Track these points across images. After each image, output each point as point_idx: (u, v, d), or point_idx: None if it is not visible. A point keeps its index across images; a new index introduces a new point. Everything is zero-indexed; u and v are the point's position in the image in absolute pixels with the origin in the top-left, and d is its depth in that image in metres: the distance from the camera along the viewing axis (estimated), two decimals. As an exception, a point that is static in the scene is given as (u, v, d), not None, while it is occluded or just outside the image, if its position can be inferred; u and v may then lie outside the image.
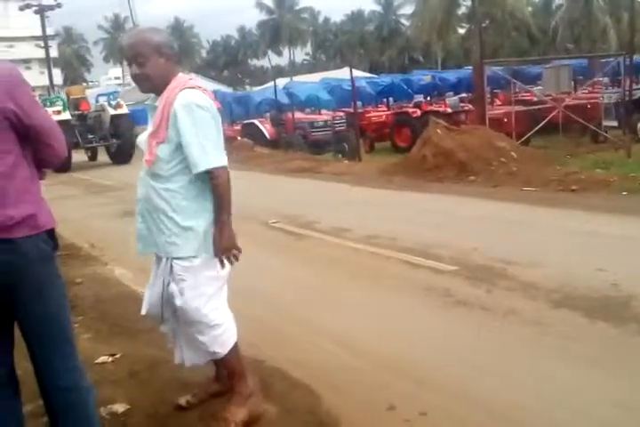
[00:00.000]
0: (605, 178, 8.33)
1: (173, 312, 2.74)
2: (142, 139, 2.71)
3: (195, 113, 2.53)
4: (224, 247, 2.60)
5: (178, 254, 2.64)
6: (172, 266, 2.66)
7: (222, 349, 2.74)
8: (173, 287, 2.66)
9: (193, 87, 2.61)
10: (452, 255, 5.39)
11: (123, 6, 48.30)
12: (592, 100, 15.16)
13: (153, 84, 2.63)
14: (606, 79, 18.26)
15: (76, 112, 17.67)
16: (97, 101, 18.77)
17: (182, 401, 2.92)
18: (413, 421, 2.80)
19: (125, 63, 2.76)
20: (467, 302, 4.27)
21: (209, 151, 2.54)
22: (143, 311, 2.87)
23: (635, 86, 13.85)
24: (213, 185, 2.58)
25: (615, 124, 14.03)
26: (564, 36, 38.08)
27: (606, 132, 13.73)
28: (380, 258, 5.57)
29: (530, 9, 41.50)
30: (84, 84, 55.79)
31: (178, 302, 2.65)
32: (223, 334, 2.73)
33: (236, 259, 2.65)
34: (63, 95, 18.75)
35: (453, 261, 5.20)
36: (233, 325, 2.80)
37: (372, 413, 2.92)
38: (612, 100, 14.39)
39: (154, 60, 2.59)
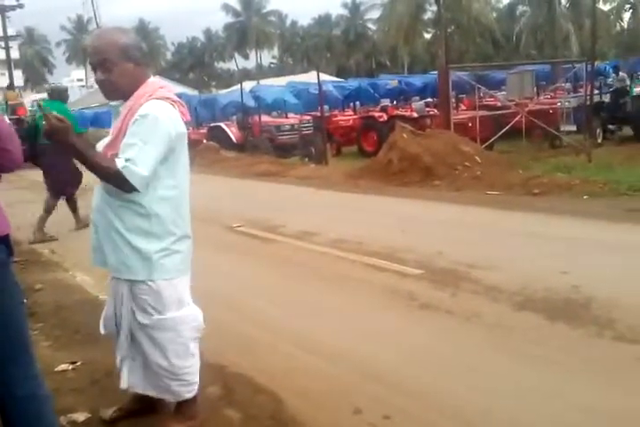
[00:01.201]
0: (567, 182, 8.49)
1: (127, 338, 2.61)
2: (100, 147, 2.54)
3: (149, 122, 2.34)
4: (58, 127, 2.24)
5: (129, 277, 2.49)
6: (130, 288, 2.52)
7: (176, 398, 2.67)
8: (135, 325, 2.54)
9: (161, 98, 2.43)
10: (416, 259, 5.42)
11: (86, 7, 47.57)
12: (554, 106, 15.46)
13: (121, 91, 2.45)
14: (568, 85, 18.64)
15: (14, 117, 18.06)
16: (32, 106, 19.40)
17: (106, 415, 2.83)
18: (378, 424, 2.81)
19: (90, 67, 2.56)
20: (431, 306, 4.30)
21: (137, 154, 2.31)
22: (102, 330, 2.77)
23: (595, 92, 14.14)
24: (110, 162, 2.33)
25: (574, 128, 14.34)
26: (528, 42, 38.85)
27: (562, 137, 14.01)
28: (346, 262, 5.57)
29: (494, 15, 42.15)
30: (46, 85, 54.86)
31: (145, 346, 2.56)
32: (183, 387, 2.64)
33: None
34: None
35: (418, 265, 5.23)
36: (197, 385, 2.70)
37: (337, 417, 2.91)
38: (572, 105, 14.70)
39: (121, 65, 2.40)
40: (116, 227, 2.46)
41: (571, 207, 7.22)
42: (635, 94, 14.54)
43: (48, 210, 7.41)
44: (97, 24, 37.34)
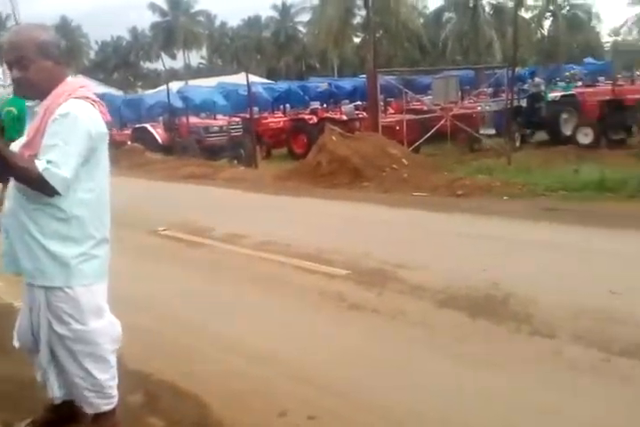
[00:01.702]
0: (488, 183, 8.78)
1: (48, 348, 2.49)
2: (16, 147, 2.40)
3: (69, 122, 2.26)
4: None
5: (44, 283, 2.38)
6: (46, 296, 2.40)
7: (94, 409, 2.56)
8: (53, 336, 2.43)
9: (81, 97, 2.35)
10: (344, 260, 5.46)
11: (4, 3, 45.50)
12: (476, 110, 15.96)
13: (38, 89, 2.34)
14: (490, 90, 19.25)
15: None
16: None
17: None
18: (302, 425, 2.81)
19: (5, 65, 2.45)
20: (359, 306, 4.34)
21: (58, 156, 2.22)
22: (15, 343, 2.63)
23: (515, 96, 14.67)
24: (30, 164, 2.22)
25: (493, 131, 14.83)
26: (454, 48, 39.87)
27: (481, 141, 14.48)
28: (274, 264, 5.56)
29: (421, 21, 43.05)
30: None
31: (63, 358, 2.45)
32: (101, 400, 2.54)
33: None
34: None
35: (346, 266, 5.27)
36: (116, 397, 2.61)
37: (263, 420, 2.90)
38: (493, 109, 15.20)
39: (39, 62, 2.30)
40: (29, 231, 2.36)
41: (492, 208, 7.46)
42: (549, 99, 15.17)
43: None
44: (16, 21, 35.84)
